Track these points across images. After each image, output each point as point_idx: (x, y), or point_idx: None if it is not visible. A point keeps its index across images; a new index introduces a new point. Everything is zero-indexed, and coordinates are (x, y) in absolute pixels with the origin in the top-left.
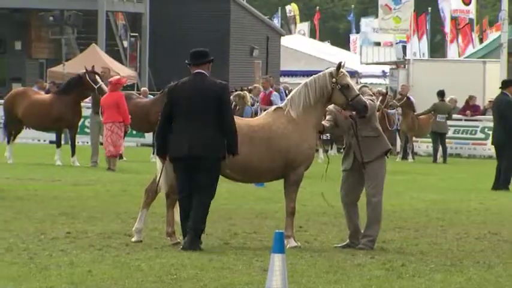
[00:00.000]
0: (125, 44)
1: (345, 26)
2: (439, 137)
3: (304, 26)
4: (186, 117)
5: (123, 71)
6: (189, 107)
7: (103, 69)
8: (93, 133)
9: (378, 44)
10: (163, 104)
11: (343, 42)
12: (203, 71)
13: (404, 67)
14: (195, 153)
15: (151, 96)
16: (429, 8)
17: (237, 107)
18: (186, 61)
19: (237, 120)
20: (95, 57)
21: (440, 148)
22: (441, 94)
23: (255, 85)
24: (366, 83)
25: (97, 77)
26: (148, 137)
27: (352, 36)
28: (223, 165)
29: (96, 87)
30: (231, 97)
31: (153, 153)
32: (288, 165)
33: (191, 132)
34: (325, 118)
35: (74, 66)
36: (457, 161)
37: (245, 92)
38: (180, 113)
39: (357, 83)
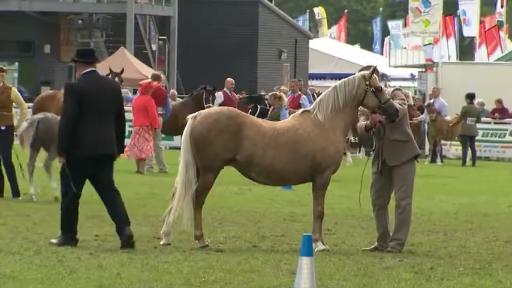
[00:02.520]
0: (154, 47)
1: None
2: (468, 140)
3: (334, 30)
4: (94, 115)
5: (151, 74)
6: (97, 105)
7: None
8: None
9: (405, 47)
10: (66, 103)
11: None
12: (95, 70)
13: (433, 70)
14: (109, 152)
15: (180, 99)
16: (457, 11)
17: (273, 108)
18: (74, 58)
19: (262, 123)
20: (123, 60)
21: (469, 151)
22: (470, 97)
23: (281, 87)
24: (395, 86)
25: (117, 79)
26: (177, 140)
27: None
28: (248, 168)
29: None
30: (267, 97)
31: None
32: (314, 168)
33: (103, 131)
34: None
35: (102, 70)
36: (486, 164)
37: (281, 93)
38: (87, 111)
39: (385, 86)
